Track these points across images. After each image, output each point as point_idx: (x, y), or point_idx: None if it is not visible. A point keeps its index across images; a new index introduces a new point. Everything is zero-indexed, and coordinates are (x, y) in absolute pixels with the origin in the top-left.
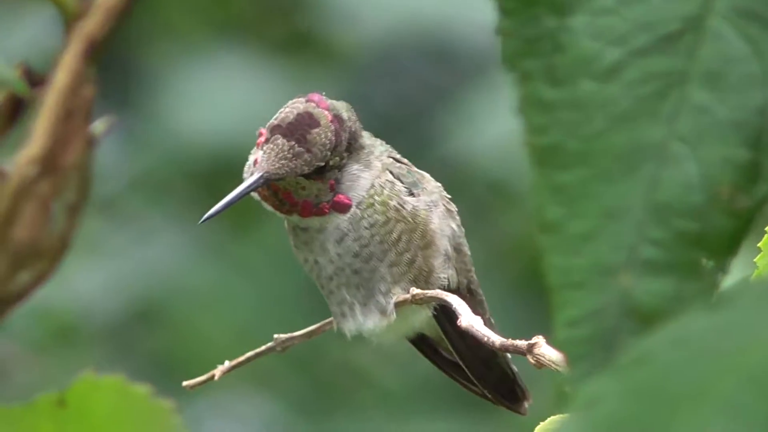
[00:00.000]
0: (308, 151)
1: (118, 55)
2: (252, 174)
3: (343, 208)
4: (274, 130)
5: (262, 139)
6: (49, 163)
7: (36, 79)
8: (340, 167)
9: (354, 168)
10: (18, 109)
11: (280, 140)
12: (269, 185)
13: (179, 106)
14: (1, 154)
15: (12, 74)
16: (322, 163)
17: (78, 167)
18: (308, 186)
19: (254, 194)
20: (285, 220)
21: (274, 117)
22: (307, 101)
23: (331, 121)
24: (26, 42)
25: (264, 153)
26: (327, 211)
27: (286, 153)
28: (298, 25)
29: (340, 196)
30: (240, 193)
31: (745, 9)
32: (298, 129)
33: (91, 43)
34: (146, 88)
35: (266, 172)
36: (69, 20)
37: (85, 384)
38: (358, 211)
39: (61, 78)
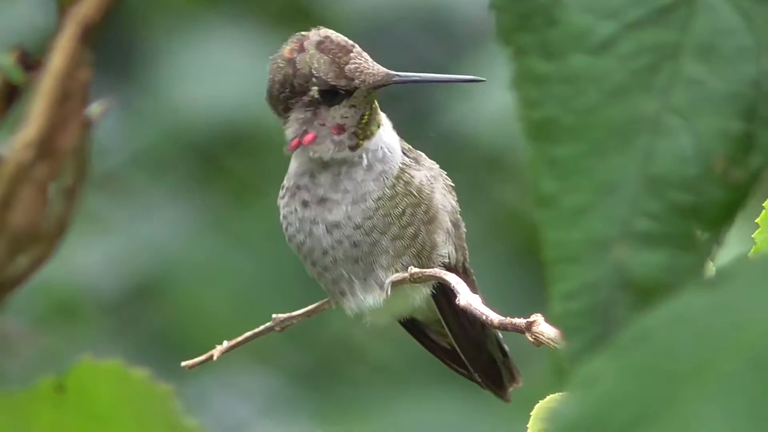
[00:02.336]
0: (353, 45)
1: (116, 29)
2: (394, 76)
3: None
4: (339, 72)
5: (306, 113)
6: (45, 147)
7: (32, 62)
8: None
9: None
10: (14, 93)
11: (352, 64)
12: (362, 110)
13: (178, 80)
14: None
15: (7, 60)
16: None
17: (75, 150)
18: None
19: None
20: (300, 178)
21: (319, 76)
22: (295, 49)
23: (310, 31)
24: (21, 23)
25: (365, 80)
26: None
27: (364, 58)
28: None
29: None
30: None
31: None
32: (336, 48)
33: (87, 26)
34: (144, 63)
35: (392, 74)
36: (63, 3)
37: (84, 369)
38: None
39: (56, 61)
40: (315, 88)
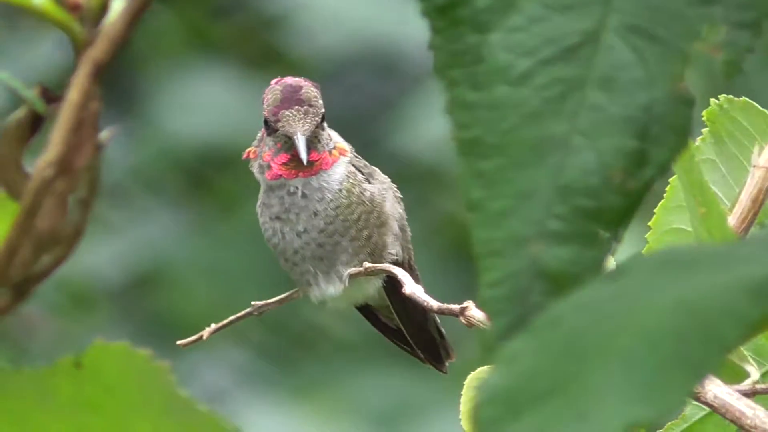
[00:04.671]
0: (310, 105)
1: (122, 70)
2: (296, 139)
3: (344, 153)
4: (275, 111)
5: (262, 132)
6: (64, 166)
7: (52, 96)
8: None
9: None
10: (38, 122)
11: (287, 111)
12: (293, 150)
13: (172, 113)
14: (25, 159)
15: (32, 94)
16: (323, 110)
17: (88, 168)
18: (321, 139)
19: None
20: (263, 195)
21: (265, 106)
22: (277, 82)
23: (305, 80)
24: (43, 61)
25: (284, 126)
26: (336, 159)
27: (299, 115)
28: (268, 43)
29: (337, 147)
30: (302, 147)
31: (632, 25)
32: (293, 97)
33: (98, 66)
34: (145, 97)
35: (302, 134)
36: (79, 47)
37: (97, 348)
38: (327, 195)
39: (73, 95)
40: (263, 113)
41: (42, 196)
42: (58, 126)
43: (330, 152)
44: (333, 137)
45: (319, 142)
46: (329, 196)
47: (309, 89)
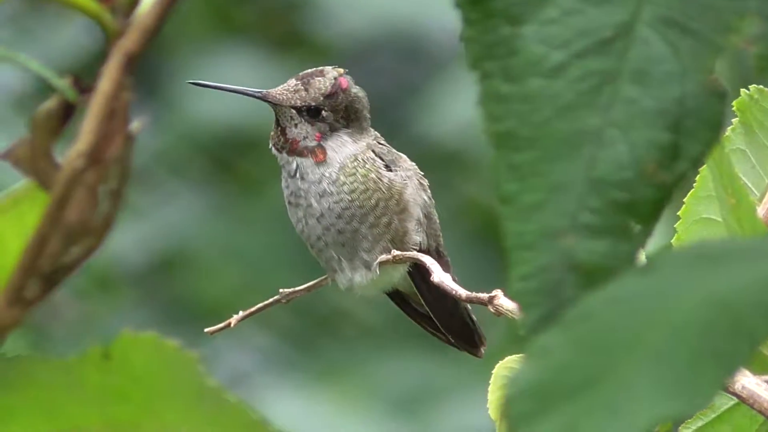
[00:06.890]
0: (305, 90)
1: (148, 55)
2: (253, 91)
3: (320, 157)
4: (289, 80)
5: None
6: (95, 157)
7: (84, 86)
8: (333, 128)
9: (345, 137)
10: (69, 113)
11: (291, 80)
12: (278, 124)
13: (195, 96)
14: (56, 149)
15: (64, 83)
16: (314, 104)
17: (119, 160)
18: (300, 125)
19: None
20: (283, 180)
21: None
22: (339, 77)
23: (336, 78)
24: (70, 45)
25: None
26: (306, 154)
27: (288, 87)
28: (293, 26)
29: (322, 147)
30: (236, 89)
31: (666, 17)
32: (306, 75)
33: (129, 57)
34: (169, 82)
35: (266, 93)
36: (110, 38)
37: (125, 339)
38: (341, 177)
39: (104, 86)
40: None
41: (72, 187)
42: (89, 116)
43: (308, 147)
44: (345, 145)
45: (295, 127)
46: (325, 184)
47: (324, 82)
